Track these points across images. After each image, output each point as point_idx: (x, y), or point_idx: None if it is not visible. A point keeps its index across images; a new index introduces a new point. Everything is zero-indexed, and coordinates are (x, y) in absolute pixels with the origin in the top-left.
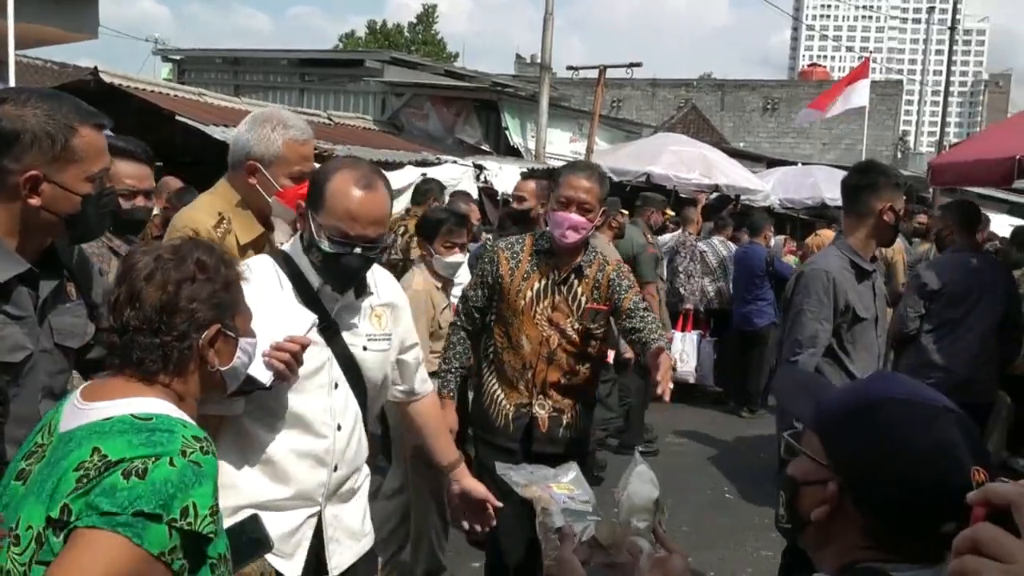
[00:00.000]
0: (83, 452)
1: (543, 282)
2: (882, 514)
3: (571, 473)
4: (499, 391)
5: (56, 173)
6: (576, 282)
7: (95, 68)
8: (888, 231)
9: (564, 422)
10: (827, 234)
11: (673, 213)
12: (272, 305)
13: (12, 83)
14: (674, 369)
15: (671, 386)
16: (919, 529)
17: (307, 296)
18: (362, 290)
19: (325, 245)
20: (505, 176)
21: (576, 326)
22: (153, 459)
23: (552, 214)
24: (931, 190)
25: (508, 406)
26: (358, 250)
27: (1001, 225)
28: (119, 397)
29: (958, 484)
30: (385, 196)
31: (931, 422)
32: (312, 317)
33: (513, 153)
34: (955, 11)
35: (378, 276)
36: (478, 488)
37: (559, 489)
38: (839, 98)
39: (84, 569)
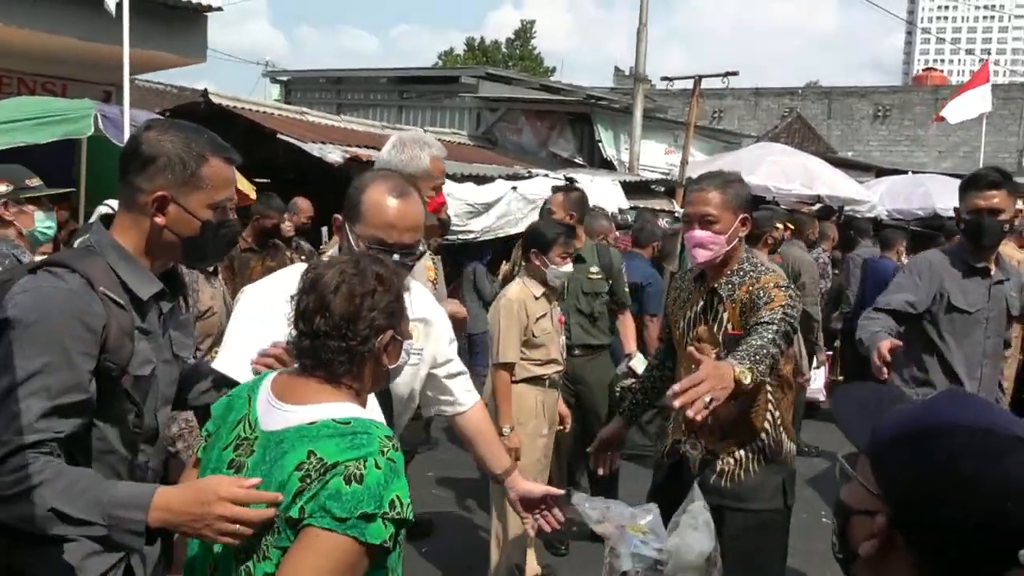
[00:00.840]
0: (300, 454)
1: (694, 310)
2: (935, 556)
3: (649, 516)
4: (669, 425)
5: (182, 196)
6: (721, 307)
7: (205, 90)
8: (968, 232)
9: (719, 469)
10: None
11: (794, 227)
12: None
13: (127, 107)
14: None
15: (704, 403)
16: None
17: None
18: None
19: None
20: (597, 189)
21: (723, 355)
22: (363, 461)
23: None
24: None
25: (668, 441)
26: (396, 257)
27: None
28: (314, 401)
29: None
30: (419, 204)
31: (1002, 455)
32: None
33: (607, 166)
34: None
35: (414, 291)
36: (535, 489)
37: (632, 531)
38: (959, 105)
39: (320, 566)
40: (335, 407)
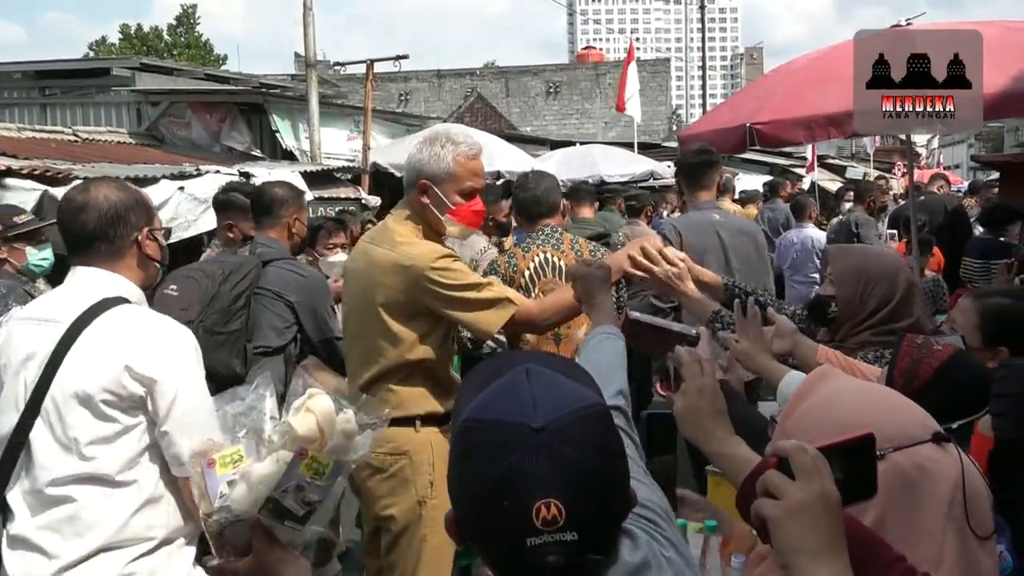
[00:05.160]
0: None
1: None
2: (482, 552)
3: None
4: None
5: None
6: None
7: None
8: None
9: None
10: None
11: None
12: None
13: None
14: None
15: None
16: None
17: None
18: None
19: None
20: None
21: None
22: None
23: None
24: None
25: None
26: None
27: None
28: None
29: (521, 520)
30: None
31: (501, 451)
32: None
33: (289, 156)
34: None
35: None
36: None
37: None
38: (628, 87)
39: None
40: None
